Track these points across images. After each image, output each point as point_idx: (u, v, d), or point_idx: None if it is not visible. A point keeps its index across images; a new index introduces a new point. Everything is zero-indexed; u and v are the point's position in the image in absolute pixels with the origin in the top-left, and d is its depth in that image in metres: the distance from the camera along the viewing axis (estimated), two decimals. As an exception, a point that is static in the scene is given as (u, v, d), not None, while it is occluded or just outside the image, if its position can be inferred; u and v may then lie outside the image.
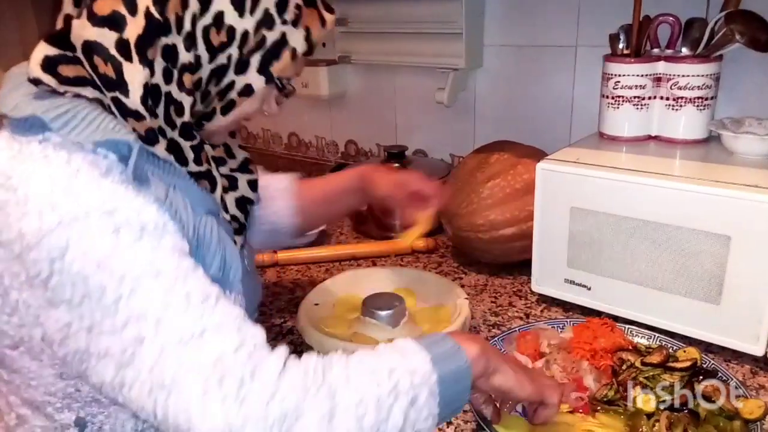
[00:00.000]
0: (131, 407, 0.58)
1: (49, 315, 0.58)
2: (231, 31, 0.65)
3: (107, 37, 0.60)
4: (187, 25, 0.63)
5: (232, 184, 0.83)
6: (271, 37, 0.68)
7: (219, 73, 0.67)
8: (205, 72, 0.67)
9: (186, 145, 0.68)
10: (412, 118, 1.63)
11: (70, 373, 0.63)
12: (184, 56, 0.64)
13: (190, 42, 0.64)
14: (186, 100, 0.66)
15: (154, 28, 0.61)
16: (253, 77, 0.69)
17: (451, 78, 1.43)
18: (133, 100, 0.61)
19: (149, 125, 0.63)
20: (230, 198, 0.82)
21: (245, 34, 0.66)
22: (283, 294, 1.20)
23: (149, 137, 0.64)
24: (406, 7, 1.44)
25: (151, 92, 0.63)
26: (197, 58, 0.65)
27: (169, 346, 0.55)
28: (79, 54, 0.61)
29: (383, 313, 0.98)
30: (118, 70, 0.61)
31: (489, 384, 0.68)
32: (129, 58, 0.61)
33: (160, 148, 0.65)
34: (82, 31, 0.60)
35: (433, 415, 0.61)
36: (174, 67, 0.64)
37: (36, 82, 0.61)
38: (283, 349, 0.59)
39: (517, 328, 0.96)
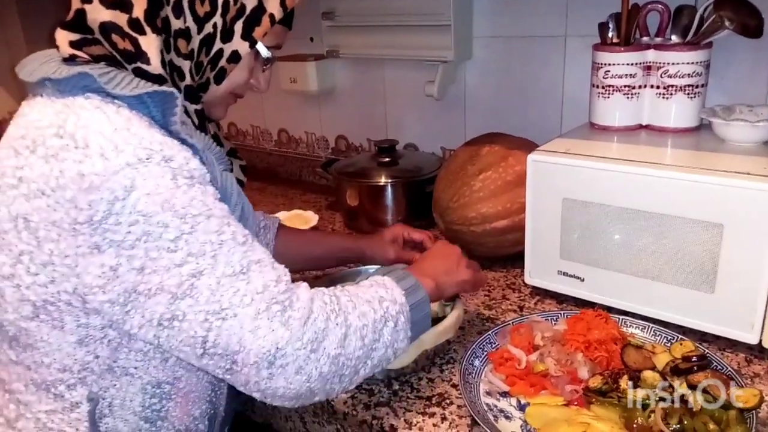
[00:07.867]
0: (171, 343, 0.64)
1: (90, 261, 0.62)
2: (213, 0, 0.73)
3: (120, 18, 0.68)
4: None
5: (228, 167, 0.87)
6: (250, 4, 0.76)
7: (207, 42, 0.75)
8: (195, 42, 0.74)
9: (191, 109, 0.75)
10: (403, 111, 1.62)
11: (92, 335, 0.67)
12: (175, 23, 0.71)
13: (179, 11, 0.71)
14: (185, 65, 0.73)
15: (154, 3, 0.69)
16: (238, 43, 0.76)
17: (440, 70, 1.42)
18: (155, 65, 0.69)
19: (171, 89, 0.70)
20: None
21: (226, 2, 0.74)
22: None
23: None
24: (393, 0, 1.43)
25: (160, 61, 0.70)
26: (187, 29, 0.72)
27: (225, 278, 0.63)
28: (98, 35, 0.68)
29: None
30: (136, 43, 0.68)
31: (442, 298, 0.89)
32: (143, 32, 0.68)
33: (181, 111, 0.71)
34: (97, 14, 0.68)
35: (407, 335, 0.76)
36: (170, 36, 0.71)
37: (72, 58, 0.68)
38: (305, 283, 0.71)
39: (511, 321, 0.95)
